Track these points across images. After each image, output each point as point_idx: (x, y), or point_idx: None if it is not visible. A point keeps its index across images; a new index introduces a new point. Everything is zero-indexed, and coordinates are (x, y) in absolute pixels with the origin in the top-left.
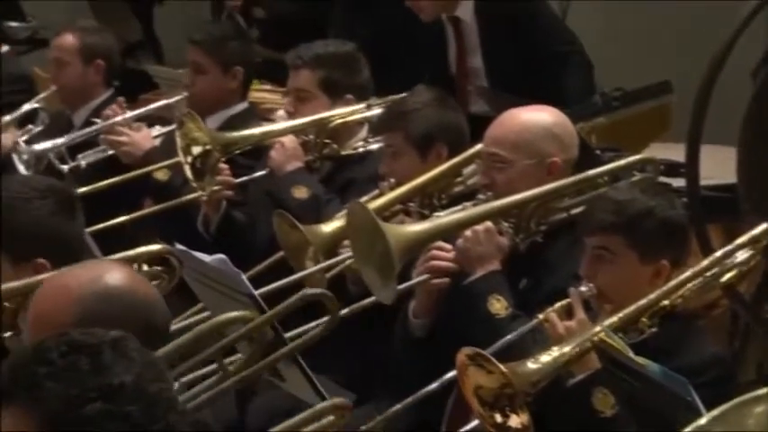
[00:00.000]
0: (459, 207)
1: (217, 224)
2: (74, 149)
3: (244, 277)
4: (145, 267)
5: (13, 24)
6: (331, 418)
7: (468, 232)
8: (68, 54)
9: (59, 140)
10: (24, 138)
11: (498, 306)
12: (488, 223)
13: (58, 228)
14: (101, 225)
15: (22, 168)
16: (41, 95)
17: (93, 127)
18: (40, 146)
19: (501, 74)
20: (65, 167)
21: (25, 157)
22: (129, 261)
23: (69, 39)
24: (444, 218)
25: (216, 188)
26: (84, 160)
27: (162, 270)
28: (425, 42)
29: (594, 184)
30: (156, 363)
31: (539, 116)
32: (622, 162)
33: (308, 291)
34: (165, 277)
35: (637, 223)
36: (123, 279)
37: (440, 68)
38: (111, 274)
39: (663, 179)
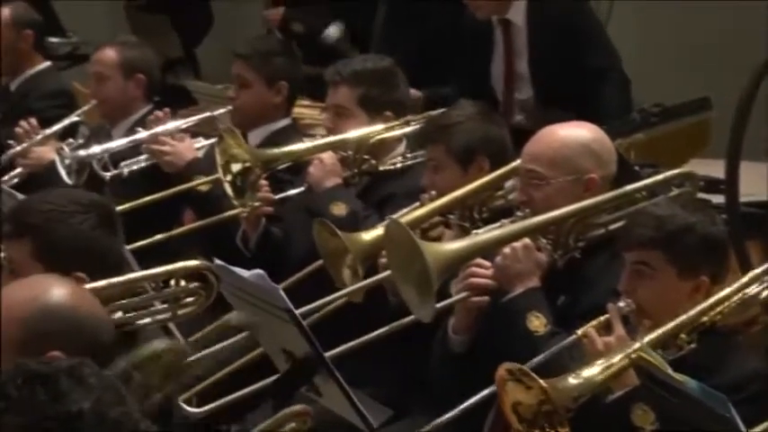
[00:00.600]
0: (497, 224)
1: (256, 241)
2: (116, 158)
3: (282, 293)
4: (182, 283)
5: (54, 40)
6: (293, 425)
7: (506, 249)
8: (109, 68)
9: (102, 146)
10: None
11: (537, 323)
12: (527, 240)
13: (98, 242)
14: (140, 243)
15: (63, 174)
16: (82, 109)
17: (137, 135)
18: (84, 152)
19: (545, 80)
20: (107, 175)
21: (68, 162)
22: (166, 276)
23: (110, 53)
24: (482, 235)
25: (255, 204)
26: (126, 168)
27: (199, 286)
28: (472, 48)
29: (633, 199)
30: (116, 386)
31: (577, 132)
32: (660, 177)
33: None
34: (203, 293)
35: (677, 239)
36: (66, 296)
37: (483, 78)
38: (54, 290)
39: (702, 195)
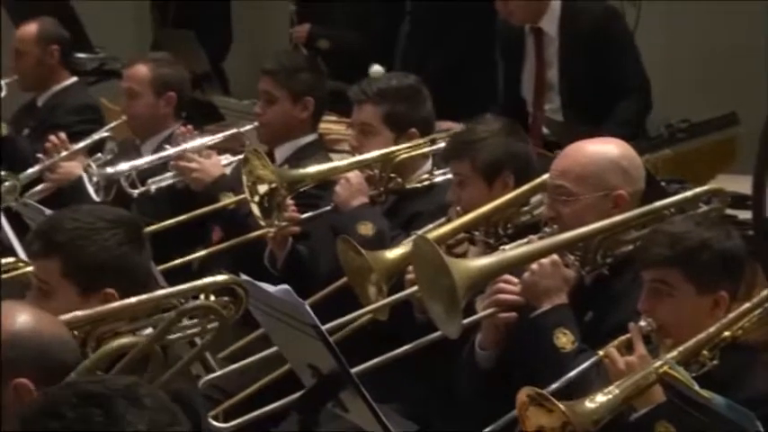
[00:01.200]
0: (525, 240)
1: (283, 261)
2: (143, 174)
3: (308, 308)
4: (212, 298)
5: (82, 56)
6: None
7: (534, 265)
8: (140, 85)
9: (130, 164)
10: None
11: (564, 340)
12: (555, 256)
13: (126, 258)
14: (168, 265)
15: (91, 190)
16: (111, 125)
17: (164, 152)
18: (111, 169)
19: (573, 92)
20: (134, 192)
21: (95, 179)
22: (196, 291)
23: (142, 70)
24: (510, 252)
25: (282, 224)
26: (153, 185)
27: (228, 300)
28: (502, 57)
29: (661, 216)
30: (169, 406)
31: (605, 148)
32: (689, 194)
33: None
34: (232, 307)
35: (693, 256)
36: (31, 322)
37: (513, 91)
38: (19, 317)
39: (729, 211)
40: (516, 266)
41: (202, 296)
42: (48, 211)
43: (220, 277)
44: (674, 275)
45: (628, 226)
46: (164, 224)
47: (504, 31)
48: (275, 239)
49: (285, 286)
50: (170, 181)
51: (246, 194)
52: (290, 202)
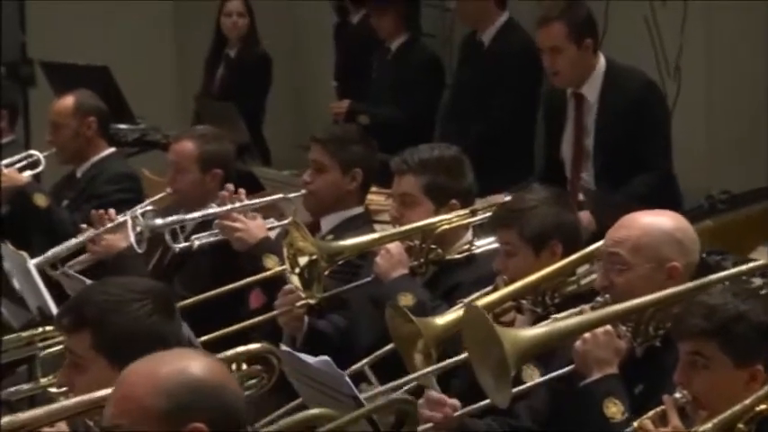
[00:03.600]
0: (577, 310)
1: (303, 338)
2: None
3: (348, 379)
4: (244, 366)
5: (123, 126)
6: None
7: (587, 335)
8: (187, 161)
9: (175, 217)
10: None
11: (614, 410)
12: (608, 327)
13: (156, 328)
14: (209, 336)
15: (133, 240)
16: (155, 198)
17: (210, 210)
18: (157, 220)
19: (606, 161)
20: (177, 246)
21: (140, 229)
22: (229, 360)
23: (189, 146)
24: (561, 322)
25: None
26: (197, 241)
27: (261, 369)
28: (546, 122)
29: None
30: None
31: (660, 220)
32: (744, 267)
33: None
34: (265, 376)
35: (729, 328)
36: (208, 370)
37: (552, 156)
38: (198, 364)
39: None
40: (567, 337)
41: (234, 365)
42: (89, 282)
43: (253, 346)
44: (710, 348)
45: (681, 298)
46: (205, 295)
47: (549, 95)
48: (288, 324)
49: (325, 357)
50: (213, 239)
51: (287, 266)
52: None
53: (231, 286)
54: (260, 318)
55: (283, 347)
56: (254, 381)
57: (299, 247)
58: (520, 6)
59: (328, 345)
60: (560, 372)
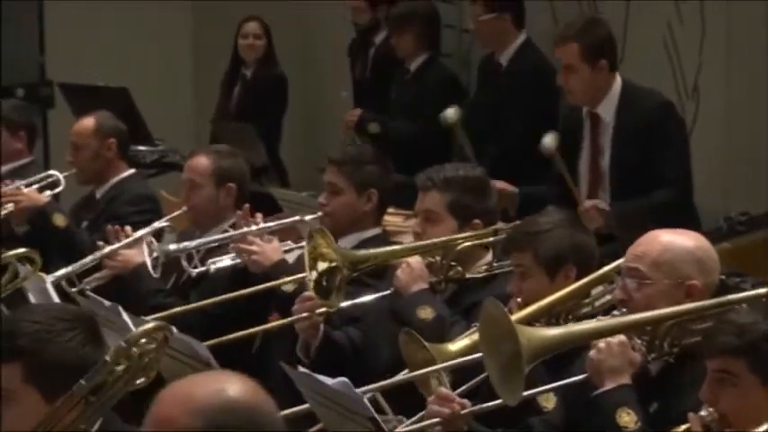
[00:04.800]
0: (594, 319)
1: (317, 348)
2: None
3: (366, 401)
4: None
5: (142, 148)
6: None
7: (601, 343)
8: (201, 176)
9: (192, 243)
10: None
11: (627, 419)
12: (622, 336)
13: (89, 357)
14: (221, 339)
15: (149, 264)
16: (171, 215)
17: (226, 234)
18: (171, 246)
19: (622, 181)
20: (194, 271)
21: (155, 254)
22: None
23: (203, 161)
24: (577, 326)
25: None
26: (213, 265)
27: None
28: (563, 142)
29: (734, 309)
30: None
31: (681, 239)
32: (763, 290)
33: None
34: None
35: (759, 347)
36: (245, 391)
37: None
38: (234, 385)
39: None
40: (582, 341)
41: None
42: (107, 303)
43: (148, 325)
44: (738, 366)
45: (698, 316)
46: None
47: (566, 114)
48: (305, 330)
49: (344, 379)
50: (229, 262)
51: (306, 269)
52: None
53: (245, 291)
54: (275, 323)
55: (301, 369)
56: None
57: (321, 252)
58: (538, 26)
59: (342, 356)
60: (573, 379)
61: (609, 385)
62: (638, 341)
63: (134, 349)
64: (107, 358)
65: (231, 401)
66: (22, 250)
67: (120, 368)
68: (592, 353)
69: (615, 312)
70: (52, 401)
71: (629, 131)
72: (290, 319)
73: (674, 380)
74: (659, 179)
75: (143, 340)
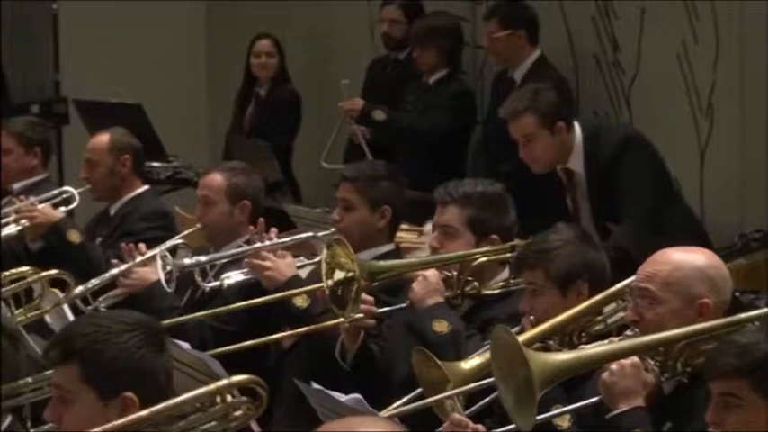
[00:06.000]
0: (606, 341)
1: (354, 354)
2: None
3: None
4: (229, 398)
5: (156, 164)
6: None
7: (614, 365)
8: (216, 193)
9: (206, 257)
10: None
11: None
12: (635, 358)
13: (146, 361)
14: (221, 350)
15: (162, 278)
16: (185, 232)
17: (240, 249)
18: (185, 260)
19: (602, 224)
20: (207, 286)
21: (169, 268)
22: (217, 391)
23: (217, 178)
24: (589, 349)
25: (358, 316)
26: (226, 280)
27: (248, 400)
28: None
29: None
30: None
31: (692, 257)
32: None
33: None
34: (252, 406)
35: (761, 367)
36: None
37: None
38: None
39: None
40: (595, 365)
41: (219, 397)
42: None
43: (238, 377)
44: (742, 387)
45: (711, 335)
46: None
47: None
48: (348, 331)
49: (357, 395)
50: (242, 278)
51: (322, 277)
52: (367, 297)
53: (259, 300)
54: (290, 333)
55: (314, 385)
56: (239, 412)
57: (339, 262)
58: (552, 42)
59: (374, 367)
60: (587, 402)
61: (622, 407)
62: (651, 361)
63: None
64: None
65: None
66: (54, 271)
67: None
68: (605, 375)
69: (628, 332)
70: (108, 402)
71: (597, 178)
72: (340, 320)
73: (687, 399)
74: (623, 215)
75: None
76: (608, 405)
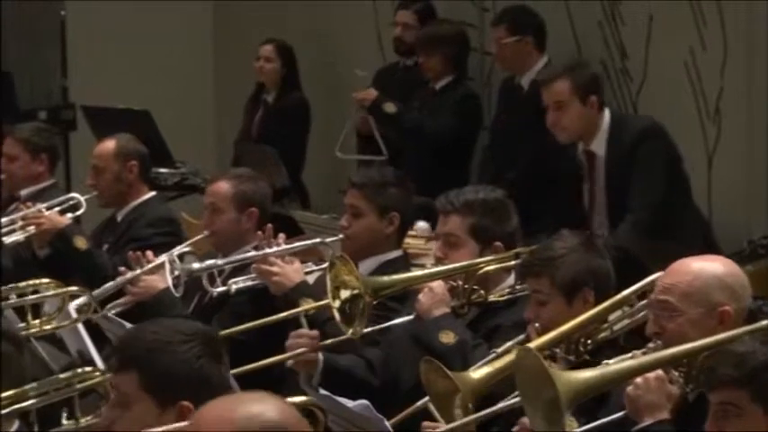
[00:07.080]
0: (629, 355)
1: (320, 373)
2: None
3: (387, 424)
4: None
5: (163, 170)
6: None
7: (639, 379)
8: (223, 201)
9: (212, 262)
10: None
11: None
12: (660, 371)
13: (203, 371)
14: (242, 369)
15: (170, 283)
16: (193, 240)
17: (248, 254)
18: (194, 264)
19: (617, 211)
20: (215, 291)
21: (177, 272)
22: None
23: (224, 186)
24: (613, 365)
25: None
26: (234, 285)
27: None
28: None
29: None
30: None
31: (710, 265)
32: None
33: None
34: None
35: (759, 376)
36: (281, 412)
37: (576, 208)
38: (271, 407)
39: None
40: (619, 381)
41: None
42: (128, 325)
43: (298, 399)
44: (741, 397)
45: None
46: (239, 328)
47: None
48: (298, 366)
49: (365, 402)
50: (250, 283)
51: (329, 298)
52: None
53: (270, 319)
54: (272, 359)
55: (322, 391)
56: None
57: (343, 280)
58: (559, 48)
59: (348, 380)
60: (612, 417)
61: (648, 421)
62: (675, 373)
63: None
64: None
65: (266, 423)
66: (74, 288)
67: None
68: (629, 389)
69: (650, 345)
70: (165, 410)
71: (616, 162)
72: (285, 355)
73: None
74: (630, 206)
75: None
76: (633, 419)
